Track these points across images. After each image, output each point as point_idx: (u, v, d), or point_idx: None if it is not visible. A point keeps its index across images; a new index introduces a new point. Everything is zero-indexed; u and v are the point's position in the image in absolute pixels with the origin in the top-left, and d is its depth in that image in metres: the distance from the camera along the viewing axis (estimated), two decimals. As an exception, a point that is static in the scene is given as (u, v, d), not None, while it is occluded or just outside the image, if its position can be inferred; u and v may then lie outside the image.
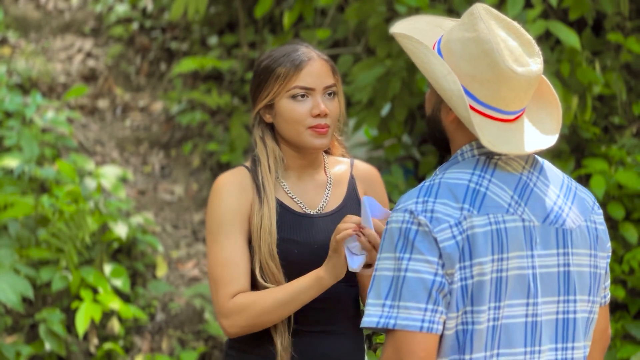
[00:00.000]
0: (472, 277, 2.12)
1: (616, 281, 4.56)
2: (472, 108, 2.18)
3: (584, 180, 4.93)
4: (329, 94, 2.75)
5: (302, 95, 2.72)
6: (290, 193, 2.78)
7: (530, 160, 2.26)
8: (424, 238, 2.11)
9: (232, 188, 2.75)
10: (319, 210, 2.79)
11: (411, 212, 2.13)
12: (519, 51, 2.18)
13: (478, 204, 2.15)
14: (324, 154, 2.89)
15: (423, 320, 2.09)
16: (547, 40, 4.88)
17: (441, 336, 2.13)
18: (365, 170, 2.91)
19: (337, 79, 2.79)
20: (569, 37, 4.57)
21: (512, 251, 2.15)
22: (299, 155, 2.79)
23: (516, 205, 2.19)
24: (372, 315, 2.12)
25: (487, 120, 2.19)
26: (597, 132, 4.90)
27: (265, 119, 2.79)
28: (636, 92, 5.12)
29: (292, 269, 2.70)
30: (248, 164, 2.81)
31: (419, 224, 2.12)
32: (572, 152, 5.03)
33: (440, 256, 2.11)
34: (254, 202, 2.73)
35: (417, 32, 2.27)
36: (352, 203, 2.83)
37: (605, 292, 2.36)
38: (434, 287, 2.09)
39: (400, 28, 2.29)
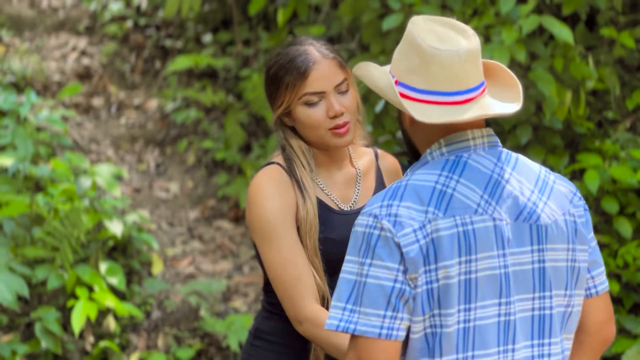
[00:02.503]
0: (437, 280, 2.12)
1: (611, 275, 4.56)
2: (415, 99, 2.18)
3: (578, 175, 4.94)
4: (342, 90, 2.73)
5: (315, 100, 2.70)
6: (325, 190, 2.77)
7: (502, 157, 2.25)
8: (385, 244, 2.12)
9: (274, 187, 2.70)
10: (351, 205, 2.78)
11: (375, 217, 2.15)
12: (447, 35, 2.19)
13: (444, 206, 2.15)
14: None
15: (382, 327, 2.10)
16: (540, 36, 4.88)
17: (408, 340, 2.14)
18: (390, 162, 2.92)
19: (347, 71, 2.75)
20: (562, 32, 4.57)
21: (481, 252, 2.15)
22: (324, 152, 2.78)
23: (486, 204, 2.17)
24: (333, 317, 2.14)
25: (431, 105, 2.18)
26: (591, 126, 4.90)
27: (285, 122, 2.77)
28: (630, 86, 5.12)
29: (334, 268, 2.65)
30: (279, 160, 2.77)
31: (382, 229, 2.13)
32: (566, 147, 5.03)
33: (402, 262, 2.11)
34: (297, 198, 2.70)
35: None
36: None
37: (594, 282, 2.34)
38: (393, 294, 2.10)
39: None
